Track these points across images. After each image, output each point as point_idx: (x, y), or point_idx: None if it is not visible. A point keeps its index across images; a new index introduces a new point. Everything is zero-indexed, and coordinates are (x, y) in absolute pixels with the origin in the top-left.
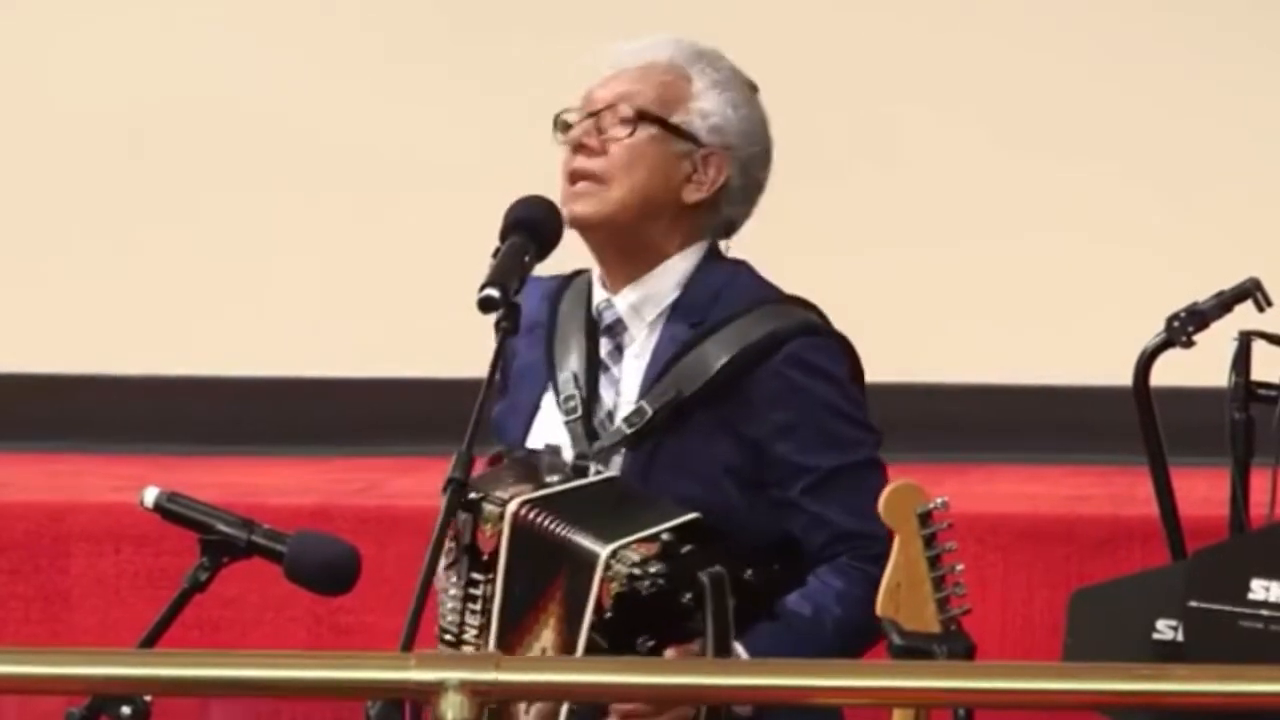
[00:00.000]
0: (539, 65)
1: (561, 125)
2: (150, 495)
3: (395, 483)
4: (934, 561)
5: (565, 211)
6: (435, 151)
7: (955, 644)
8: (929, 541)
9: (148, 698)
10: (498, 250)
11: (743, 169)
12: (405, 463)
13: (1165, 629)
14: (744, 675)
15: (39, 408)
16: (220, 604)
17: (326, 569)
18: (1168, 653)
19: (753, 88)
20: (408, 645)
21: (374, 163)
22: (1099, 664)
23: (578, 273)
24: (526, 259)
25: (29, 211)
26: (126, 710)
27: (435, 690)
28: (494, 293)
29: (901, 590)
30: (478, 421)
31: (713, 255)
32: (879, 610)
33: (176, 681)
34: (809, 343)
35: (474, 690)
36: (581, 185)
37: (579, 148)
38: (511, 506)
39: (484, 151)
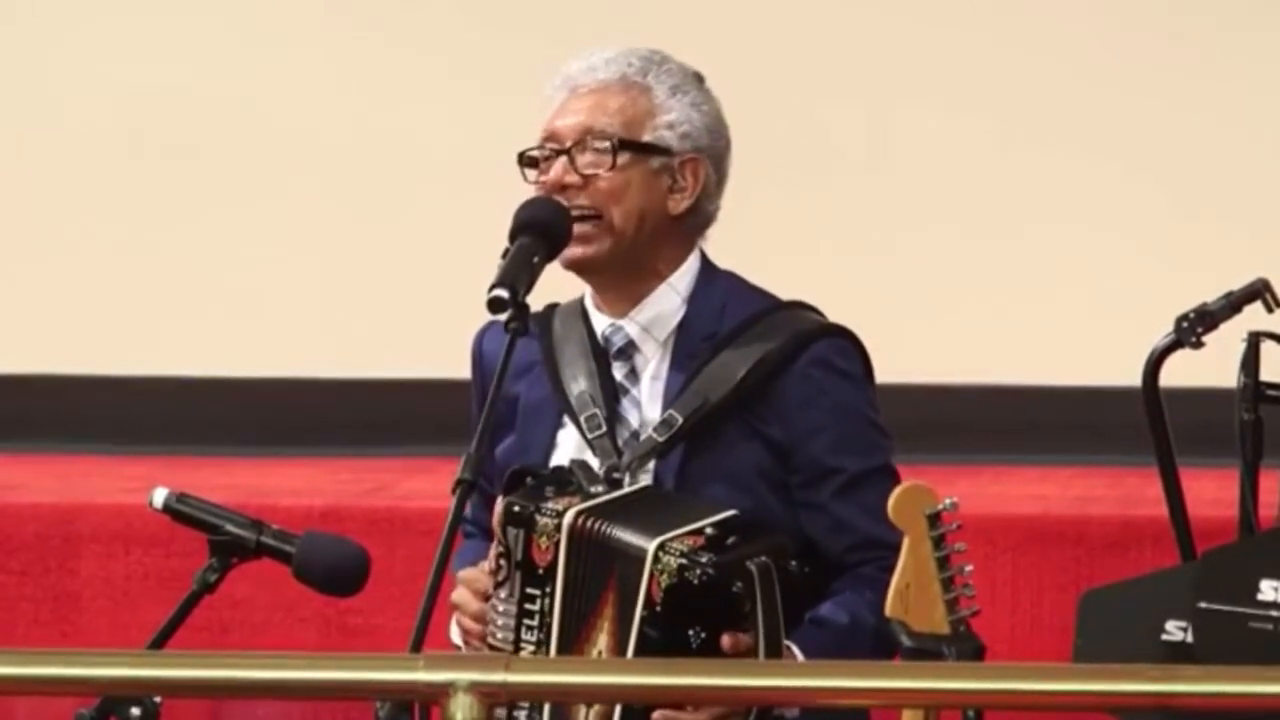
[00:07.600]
0: (542, 64)
1: (528, 162)
2: (159, 496)
3: (405, 484)
4: (943, 562)
5: (563, 253)
6: (446, 151)
7: (964, 645)
8: (938, 542)
9: (157, 699)
10: (506, 251)
11: (715, 165)
12: (415, 464)
13: (1175, 630)
14: (746, 676)
15: (48, 409)
16: (230, 605)
17: (336, 570)
18: (1177, 654)
19: (700, 78)
20: (417, 646)
21: (386, 162)
22: (1108, 665)
23: (551, 306)
24: (535, 260)
25: (37, 213)
26: (136, 711)
27: (444, 691)
28: (503, 293)
29: (911, 591)
30: (487, 422)
31: (707, 267)
32: (888, 611)
33: (186, 683)
34: (831, 344)
35: (483, 691)
36: (578, 228)
37: (561, 189)
38: (568, 517)
39: (494, 151)
